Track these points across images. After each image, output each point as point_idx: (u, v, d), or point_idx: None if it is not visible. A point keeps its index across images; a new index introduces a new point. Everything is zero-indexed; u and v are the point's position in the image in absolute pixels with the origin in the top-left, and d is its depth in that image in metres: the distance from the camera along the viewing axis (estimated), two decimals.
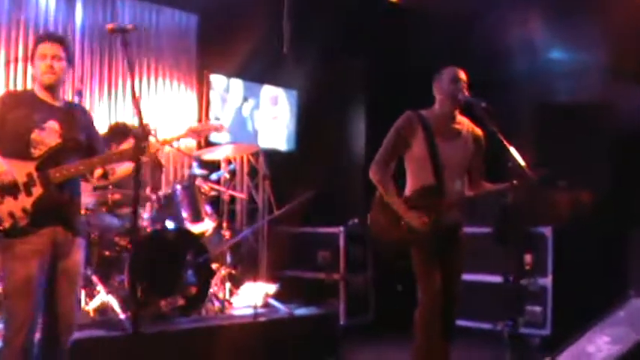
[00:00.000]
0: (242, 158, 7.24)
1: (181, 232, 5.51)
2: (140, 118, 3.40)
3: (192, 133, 4.25)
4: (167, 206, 5.79)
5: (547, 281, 6.51)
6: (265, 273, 6.41)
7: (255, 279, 6.36)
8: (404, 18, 7.47)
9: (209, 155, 6.18)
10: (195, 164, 6.17)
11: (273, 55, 7.45)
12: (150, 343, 4.78)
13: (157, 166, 6.38)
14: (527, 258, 6.66)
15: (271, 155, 7.31)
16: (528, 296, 6.56)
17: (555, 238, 6.57)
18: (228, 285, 6.11)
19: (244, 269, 6.50)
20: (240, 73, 7.55)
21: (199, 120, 7.16)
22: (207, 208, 5.88)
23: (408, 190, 4.34)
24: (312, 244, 7.30)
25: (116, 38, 3.52)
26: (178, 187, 5.82)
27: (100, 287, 5.18)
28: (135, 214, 3.56)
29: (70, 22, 6.74)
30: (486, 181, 4.45)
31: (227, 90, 7.44)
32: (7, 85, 6.19)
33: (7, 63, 6.22)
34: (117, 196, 5.54)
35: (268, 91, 7.85)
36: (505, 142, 4.26)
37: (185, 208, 5.76)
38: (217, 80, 7.38)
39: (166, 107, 7.24)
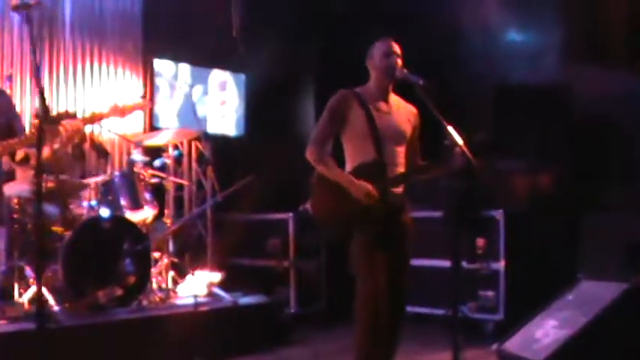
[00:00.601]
0: (189, 144, 7.05)
1: (117, 219, 5.35)
2: (42, 102, 3.21)
3: (115, 111, 4.10)
4: (105, 194, 5.63)
5: (499, 266, 6.40)
6: (211, 261, 6.23)
7: (200, 268, 6.19)
8: None
9: (151, 141, 6.00)
10: (135, 151, 5.99)
11: (222, 38, 7.29)
12: (77, 336, 4.63)
13: (102, 152, 6.22)
14: (480, 242, 6.56)
15: (220, 141, 7.15)
16: (481, 281, 6.47)
17: (507, 221, 6.47)
18: (171, 274, 5.95)
19: (190, 258, 6.32)
20: (188, 58, 7.35)
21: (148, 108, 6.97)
22: (147, 196, 5.71)
23: (347, 170, 4.13)
24: (262, 230, 7.13)
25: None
26: (117, 174, 5.67)
27: (32, 278, 5.01)
28: (38, 202, 3.39)
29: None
30: (423, 161, 4.30)
31: (175, 76, 7.25)
32: None
33: None
34: (50, 184, 5.34)
35: (217, 75, 7.67)
36: (442, 121, 4.13)
37: (124, 196, 5.61)
38: (164, 65, 7.18)
39: (111, 94, 7.04)
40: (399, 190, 4.14)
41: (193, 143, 7.00)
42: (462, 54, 7.50)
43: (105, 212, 5.39)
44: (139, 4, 7.26)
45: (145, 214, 5.70)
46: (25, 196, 5.25)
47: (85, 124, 4.04)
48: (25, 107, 6.42)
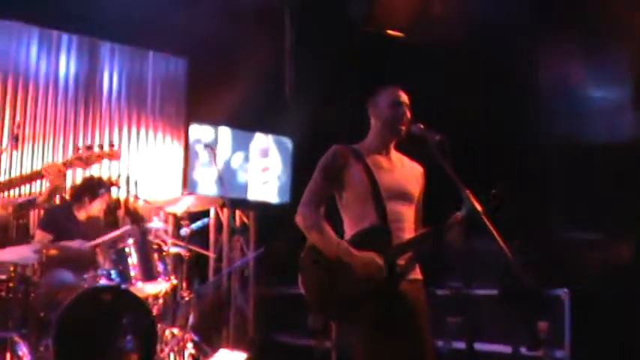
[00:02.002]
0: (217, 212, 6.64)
1: (118, 291, 4.91)
2: None
3: (78, 160, 3.74)
4: (117, 262, 5.23)
5: (565, 354, 5.50)
6: (235, 338, 5.68)
7: (223, 346, 5.65)
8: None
9: (170, 208, 5.61)
10: (156, 218, 5.63)
11: (266, 102, 6.92)
12: None
13: (137, 219, 5.90)
14: (542, 325, 5.69)
15: (261, 208, 6.68)
16: None
17: (574, 301, 5.59)
18: (189, 352, 5.44)
19: (210, 334, 5.80)
20: (229, 122, 7.02)
21: (184, 174, 6.65)
22: (160, 266, 5.27)
23: (345, 239, 3.46)
24: (302, 306, 6.52)
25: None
26: (130, 241, 5.26)
27: (23, 352, 4.63)
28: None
29: (53, 71, 6.47)
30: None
31: (215, 141, 6.90)
32: None
33: None
34: (53, 251, 5.02)
35: (259, 141, 7.27)
36: (459, 184, 3.50)
37: (136, 265, 5.19)
38: (203, 131, 6.85)
39: (151, 159, 6.79)
40: (405, 260, 3.49)
41: (220, 211, 6.55)
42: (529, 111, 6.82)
43: (104, 282, 4.98)
44: (183, 69, 7.04)
45: (159, 286, 5.25)
46: (27, 263, 4.96)
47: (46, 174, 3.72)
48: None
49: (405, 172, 3.57)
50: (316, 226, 3.38)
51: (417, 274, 3.49)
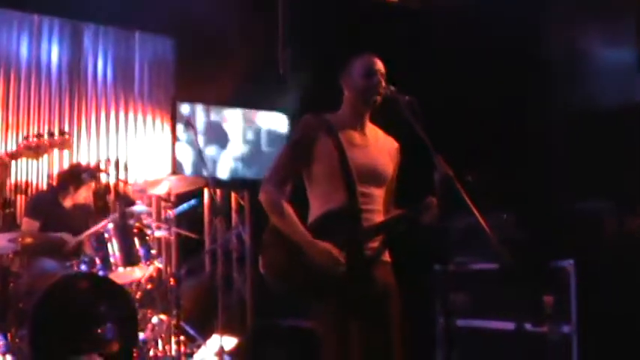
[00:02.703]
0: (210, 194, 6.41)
1: (95, 278, 4.73)
2: None
3: (26, 150, 3.55)
4: (98, 249, 5.07)
5: (571, 328, 5.22)
6: (226, 324, 5.47)
7: (214, 332, 5.45)
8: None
9: (153, 190, 5.42)
10: (139, 201, 5.44)
11: (260, 79, 6.71)
12: None
13: (129, 204, 5.72)
14: (547, 299, 5.40)
15: (252, 185, 6.44)
16: (549, 347, 5.30)
17: (580, 273, 5.28)
18: (176, 340, 5.25)
19: (200, 320, 5.60)
20: (221, 101, 6.80)
21: (172, 156, 6.44)
22: (141, 251, 5.08)
23: (311, 218, 3.25)
24: None
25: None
26: (110, 226, 5.08)
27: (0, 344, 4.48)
28: None
29: (36, 57, 6.29)
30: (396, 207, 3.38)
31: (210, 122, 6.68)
32: None
33: None
34: (28, 240, 4.85)
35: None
36: (431, 148, 3.23)
37: (116, 251, 5.01)
38: (192, 110, 6.62)
39: (141, 143, 6.61)
40: (376, 242, 3.24)
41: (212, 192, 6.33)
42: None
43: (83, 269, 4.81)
44: (170, 48, 6.83)
45: (141, 271, 5.07)
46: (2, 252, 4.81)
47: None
48: None
49: (379, 150, 3.30)
50: (277, 206, 3.14)
51: (386, 257, 3.27)
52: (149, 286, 5.36)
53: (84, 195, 5.59)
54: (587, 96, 6.37)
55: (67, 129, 6.28)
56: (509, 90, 6.55)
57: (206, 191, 6.37)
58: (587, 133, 6.27)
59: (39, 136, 3.77)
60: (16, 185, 6.07)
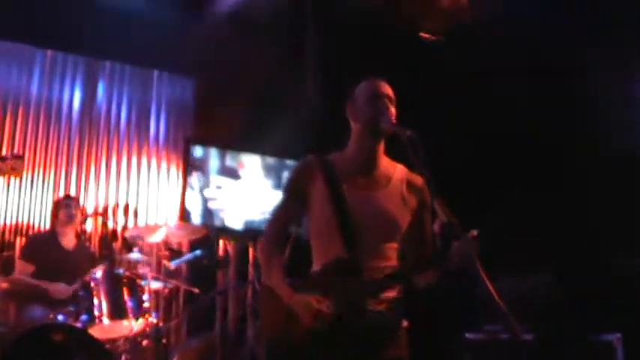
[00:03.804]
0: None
1: (70, 330, 4.27)
2: None
3: None
4: (84, 298, 4.62)
5: None
6: None
7: None
8: None
9: (150, 238, 4.98)
10: (135, 249, 5.00)
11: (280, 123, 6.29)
12: None
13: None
14: None
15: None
16: None
17: (628, 349, 4.61)
18: None
19: None
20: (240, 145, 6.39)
21: (181, 202, 6.01)
22: (128, 302, 4.61)
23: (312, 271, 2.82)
24: None
25: None
26: (98, 274, 4.63)
27: None
28: None
29: (47, 94, 6.01)
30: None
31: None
32: None
33: None
34: (4, 285, 4.43)
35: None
36: (432, 189, 2.71)
37: (102, 301, 4.55)
38: (203, 153, 6.20)
39: (151, 187, 6.25)
40: (384, 305, 2.71)
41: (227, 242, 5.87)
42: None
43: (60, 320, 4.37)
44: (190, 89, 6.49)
45: (128, 325, 4.59)
46: None
47: None
48: None
49: (390, 195, 2.78)
50: (265, 259, 2.80)
51: (398, 323, 2.76)
52: (144, 342, 4.87)
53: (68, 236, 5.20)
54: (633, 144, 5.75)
55: (74, 170, 5.95)
56: (550, 130, 5.98)
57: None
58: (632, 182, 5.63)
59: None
60: (15, 227, 5.70)
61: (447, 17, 6.22)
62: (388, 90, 2.81)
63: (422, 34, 6.10)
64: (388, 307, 2.71)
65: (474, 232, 2.52)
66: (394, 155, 2.84)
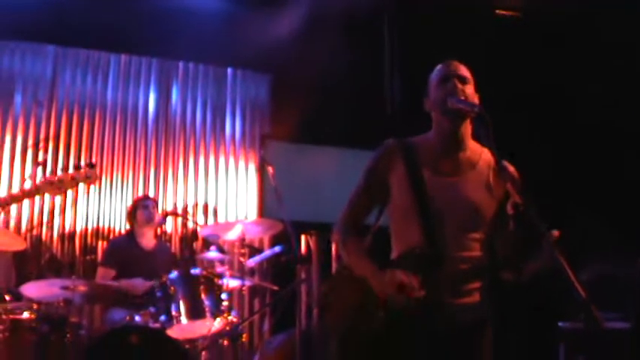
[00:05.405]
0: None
1: (146, 332, 4.23)
2: None
3: (47, 185, 3.16)
4: (162, 299, 4.58)
5: None
6: None
7: None
8: None
9: (226, 235, 4.90)
10: (213, 247, 4.94)
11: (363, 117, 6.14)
12: None
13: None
14: None
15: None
16: None
17: None
18: None
19: None
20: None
21: (259, 199, 5.92)
22: (206, 302, 4.53)
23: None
24: None
25: None
26: (174, 274, 4.59)
27: None
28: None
29: (122, 97, 6.05)
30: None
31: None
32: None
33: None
34: (82, 288, 4.42)
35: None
36: (508, 171, 2.53)
37: (179, 302, 4.50)
38: (281, 149, 6.09)
39: (229, 185, 6.18)
40: (473, 298, 2.57)
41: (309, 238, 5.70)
42: None
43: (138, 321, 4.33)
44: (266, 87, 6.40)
45: (207, 325, 4.52)
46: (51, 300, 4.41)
47: (13, 201, 3.14)
48: None
49: (475, 181, 2.61)
50: (344, 239, 2.67)
51: (478, 311, 2.59)
52: (224, 342, 4.80)
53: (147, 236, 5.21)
54: None
55: (152, 172, 5.95)
56: None
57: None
58: None
59: (64, 169, 3.44)
60: (97, 231, 5.75)
61: None
62: (460, 70, 2.65)
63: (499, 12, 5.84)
64: (471, 300, 2.56)
65: (556, 233, 2.29)
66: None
